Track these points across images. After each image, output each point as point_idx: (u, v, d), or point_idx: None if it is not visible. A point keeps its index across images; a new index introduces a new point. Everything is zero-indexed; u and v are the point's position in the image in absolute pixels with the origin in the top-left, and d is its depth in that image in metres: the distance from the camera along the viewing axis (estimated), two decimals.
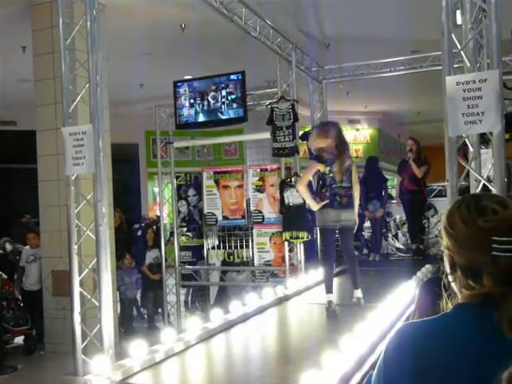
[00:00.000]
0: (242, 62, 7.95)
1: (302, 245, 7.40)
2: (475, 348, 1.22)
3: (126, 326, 7.98)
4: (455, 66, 4.03)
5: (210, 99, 7.46)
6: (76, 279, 4.54)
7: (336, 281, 5.83)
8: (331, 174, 5.02)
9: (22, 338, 7.06)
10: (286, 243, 7.38)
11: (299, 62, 8.31)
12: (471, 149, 4.14)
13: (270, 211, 7.70)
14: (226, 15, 6.30)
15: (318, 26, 8.58)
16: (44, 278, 6.93)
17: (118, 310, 7.65)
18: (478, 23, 4.16)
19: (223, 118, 7.47)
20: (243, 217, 7.91)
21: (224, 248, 8.13)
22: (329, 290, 5.08)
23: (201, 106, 7.56)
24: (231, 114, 7.41)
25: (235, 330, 4.65)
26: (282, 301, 5.73)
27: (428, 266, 6.58)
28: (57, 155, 6.40)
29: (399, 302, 4.74)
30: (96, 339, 4.37)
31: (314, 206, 5.15)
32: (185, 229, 8.70)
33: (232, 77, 7.39)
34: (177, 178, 8.62)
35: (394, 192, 10.50)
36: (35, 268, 7.38)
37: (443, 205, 7.69)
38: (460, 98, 3.74)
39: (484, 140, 4.89)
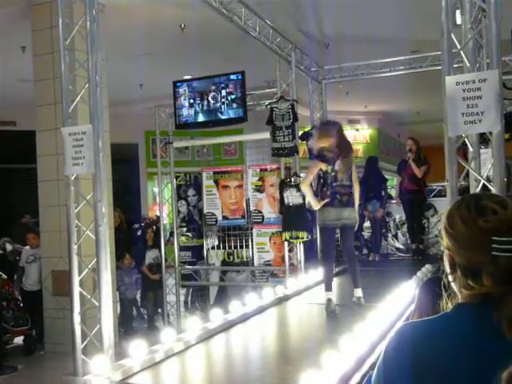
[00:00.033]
0: (242, 62, 7.95)
1: (301, 245, 7.40)
2: (475, 348, 1.22)
3: (125, 326, 7.98)
4: (455, 65, 4.03)
5: (210, 99, 7.46)
6: (76, 279, 4.54)
7: (336, 281, 5.83)
8: (333, 173, 5.04)
9: (22, 338, 7.06)
10: (286, 243, 7.38)
11: (299, 61, 8.31)
12: (471, 149, 4.14)
13: (270, 211, 7.70)
14: (226, 15, 6.30)
15: (317, 26, 8.58)
16: (44, 278, 6.93)
17: (118, 310, 7.65)
18: (478, 23, 4.16)
19: (223, 118, 7.47)
20: (243, 217, 7.91)
21: (224, 248, 8.13)
22: (328, 288, 5.10)
23: (200, 106, 7.56)
24: (231, 114, 7.41)
25: (235, 330, 4.65)
26: (281, 301, 5.74)
27: (428, 266, 6.58)
28: (56, 155, 6.40)
29: (399, 302, 4.74)
30: (96, 339, 4.36)
31: (315, 205, 5.17)
32: (184, 229, 8.70)
33: (232, 77, 7.39)
34: (176, 178, 8.62)
35: (393, 192, 10.50)
36: (35, 268, 7.38)
37: (443, 205, 7.69)
38: (460, 97, 3.74)
39: (484, 140, 4.89)
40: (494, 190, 3.78)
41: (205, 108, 7.55)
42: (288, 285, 6.31)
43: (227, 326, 4.61)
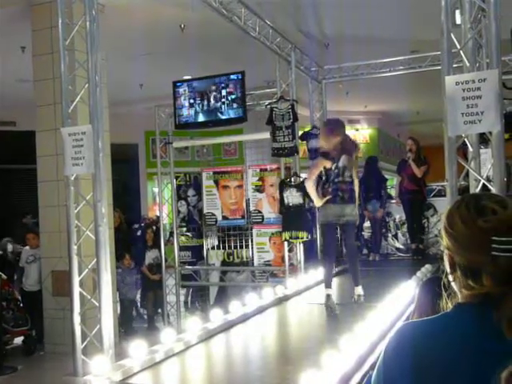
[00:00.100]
0: (242, 62, 7.95)
1: (301, 245, 7.40)
2: (475, 348, 1.22)
3: (125, 326, 7.98)
4: (454, 65, 4.03)
5: (211, 99, 7.46)
6: (76, 279, 4.54)
7: (336, 280, 5.84)
8: (336, 170, 5.06)
9: (22, 338, 7.06)
10: (286, 243, 7.38)
11: (299, 61, 8.31)
12: (471, 148, 4.14)
13: (270, 211, 7.70)
14: (226, 15, 6.30)
15: (317, 26, 8.58)
16: (44, 278, 6.93)
17: (118, 311, 7.65)
18: (478, 23, 4.16)
19: (223, 118, 7.48)
20: (243, 217, 7.91)
21: (224, 248, 8.13)
22: (328, 285, 5.12)
23: (200, 106, 7.56)
24: (231, 114, 7.41)
25: (235, 330, 4.65)
26: (281, 301, 5.73)
27: (428, 266, 6.58)
28: (56, 155, 6.40)
29: (399, 302, 4.74)
30: (96, 339, 4.36)
31: (317, 202, 5.18)
32: (184, 229, 8.70)
33: (232, 77, 7.40)
34: (176, 178, 8.62)
35: (393, 192, 10.50)
36: (35, 268, 7.38)
37: (443, 204, 7.69)
38: (459, 97, 3.74)
39: (483, 140, 4.89)
40: (493, 190, 3.78)
41: (205, 108, 7.55)
42: (288, 285, 6.31)
43: (227, 326, 4.61)
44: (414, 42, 8.99)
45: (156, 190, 13.08)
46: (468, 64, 4.02)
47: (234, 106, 7.38)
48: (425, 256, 8.41)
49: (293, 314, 5.55)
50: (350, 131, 15.33)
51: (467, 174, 4.18)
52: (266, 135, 7.49)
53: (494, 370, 1.10)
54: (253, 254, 7.88)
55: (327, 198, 5.07)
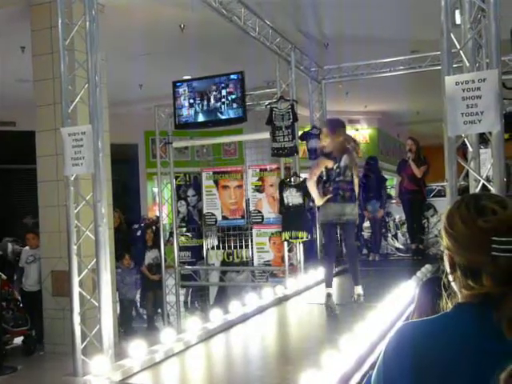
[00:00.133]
0: (242, 62, 7.96)
1: (301, 245, 7.41)
2: (475, 348, 1.22)
3: (125, 326, 7.98)
4: (454, 65, 4.03)
5: (211, 99, 7.46)
6: (75, 279, 4.54)
7: (336, 280, 5.84)
8: (338, 170, 5.07)
9: (22, 338, 7.06)
10: (286, 243, 7.38)
11: (298, 62, 8.32)
12: (470, 148, 4.14)
13: (270, 211, 7.70)
14: (225, 15, 6.30)
15: (317, 26, 8.58)
16: (43, 278, 6.93)
17: (118, 311, 7.65)
18: (477, 23, 4.16)
19: (223, 118, 7.48)
20: (242, 217, 7.91)
21: (223, 248, 8.13)
22: (328, 285, 5.13)
23: (200, 106, 7.56)
24: (231, 114, 7.41)
25: (235, 330, 4.65)
26: (281, 301, 5.73)
27: (427, 266, 6.58)
28: (56, 156, 6.40)
29: (399, 302, 4.74)
30: (95, 339, 4.37)
31: (318, 201, 5.20)
32: (184, 229, 8.70)
33: (232, 77, 7.40)
34: (176, 178, 8.62)
35: (393, 192, 10.50)
36: (35, 269, 7.38)
37: (443, 205, 7.69)
38: (459, 97, 3.74)
39: (483, 140, 4.90)
40: (493, 190, 3.78)
41: (205, 108, 7.55)
42: (288, 285, 6.31)
43: (227, 326, 4.61)
44: (414, 42, 8.99)
45: (156, 190, 13.08)
46: (468, 64, 4.02)
47: (234, 106, 7.38)
48: (425, 256, 8.41)
49: (293, 313, 5.55)
50: (350, 131, 15.32)
51: (467, 174, 4.18)
52: (266, 135, 7.49)
53: (493, 370, 1.10)
54: (252, 254, 7.88)
55: (328, 196, 5.08)
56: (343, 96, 12.04)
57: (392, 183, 12.69)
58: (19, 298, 7.27)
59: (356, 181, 5.28)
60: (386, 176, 9.98)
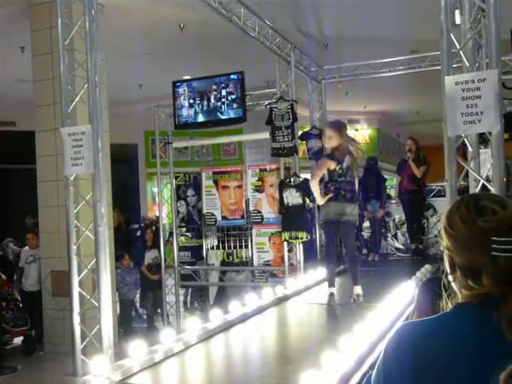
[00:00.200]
0: (241, 62, 7.95)
1: (301, 245, 7.40)
2: (475, 348, 1.22)
3: (125, 326, 7.98)
4: (454, 65, 4.03)
5: (211, 99, 7.46)
6: (75, 279, 4.54)
7: (336, 280, 5.82)
8: (340, 171, 5.09)
9: (22, 338, 7.06)
10: (286, 243, 7.37)
11: (298, 62, 8.32)
12: (470, 148, 4.14)
13: (269, 211, 7.69)
14: (225, 15, 6.30)
15: (317, 26, 8.58)
16: (43, 278, 6.93)
17: (118, 311, 7.65)
18: (477, 23, 4.16)
19: (223, 118, 7.47)
20: (242, 217, 7.90)
21: (223, 248, 8.13)
22: (331, 284, 5.14)
23: (200, 106, 7.56)
24: (231, 114, 7.41)
25: (235, 330, 4.64)
26: (281, 301, 5.73)
27: (427, 266, 6.58)
28: (56, 156, 6.40)
29: (398, 302, 4.74)
30: (95, 339, 4.37)
31: (320, 200, 5.22)
32: (184, 229, 8.69)
33: (232, 77, 7.39)
34: (176, 178, 8.62)
35: (393, 192, 10.50)
36: (34, 269, 7.38)
37: (442, 205, 7.69)
38: (459, 97, 3.74)
39: (483, 140, 4.90)
40: (493, 190, 3.78)
41: (204, 108, 7.55)
42: (287, 285, 6.30)
43: (227, 326, 4.61)
44: (414, 42, 8.99)
45: (155, 190, 13.08)
46: (468, 64, 4.02)
47: (234, 106, 7.38)
48: (424, 256, 8.40)
49: (292, 314, 5.55)
50: (349, 131, 15.33)
51: (467, 174, 4.18)
52: (266, 135, 7.48)
53: (493, 370, 1.10)
54: (252, 254, 7.87)
55: (329, 195, 5.11)
56: (343, 96, 12.04)
57: (392, 183, 12.69)
58: (19, 298, 7.27)
59: (356, 181, 5.31)
60: (385, 176, 9.97)
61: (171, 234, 8.55)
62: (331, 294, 5.09)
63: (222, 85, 7.42)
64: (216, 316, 4.66)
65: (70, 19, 4.83)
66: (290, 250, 7.49)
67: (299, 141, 7.73)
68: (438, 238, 8.16)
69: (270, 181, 7.73)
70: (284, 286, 6.19)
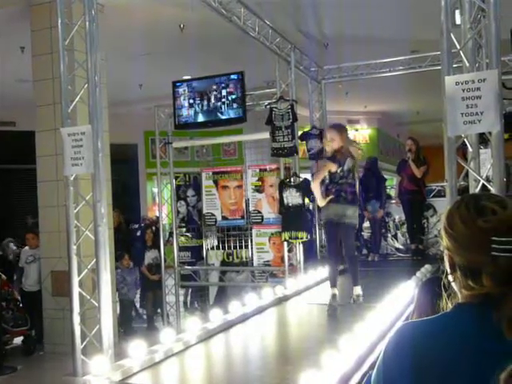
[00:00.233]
0: (241, 62, 7.95)
1: (301, 245, 7.40)
2: (475, 348, 1.22)
3: (125, 326, 7.97)
4: (454, 65, 4.03)
5: (212, 99, 7.46)
6: (75, 279, 4.54)
7: None
8: (341, 173, 5.11)
9: (22, 338, 7.06)
10: (286, 243, 7.37)
11: (298, 62, 8.32)
12: (470, 149, 4.14)
13: (269, 211, 7.69)
14: (225, 15, 6.30)
15: (317, 26, 8.58)
16: (43, 278, 6.93)
17: (118, 311, 7.65)
18: (477, 23, 4.16)
19: (223, 118, 7.47)
20: (242, 217, 7.90)
21: (223, 248, 8.13)
22: (333, 284, 5.14)
23: (200, 106, 7.56)
24: (231, 114, 7.41)
25: (234, 330, 4.65)
26: (281, 301, 5.73)
27: (427, 266, 6.58)
28: (56, 156, 6.39)
29: (398, 302, 4.74)
30: (95, 339, 4.37)
31: (321, 202, 5.24)
32: (184, 229, 8.69)
33: (232, 77, 7.39)
34: (176, 178, 8.61)
35: (393, 192, 10.50)
36: (34, 269, 7.37)
37: (442, 205, 7.69)
38: (459, 97, 3.74)
39: (483, 140, 4.89)
40: (493, 190, 3.78)
41: (204, 108, 7.54)
42: (287, 285, 6.31)
43: (227, 326, 4.61)
44: (414, 42, 8.99)
45: (155, 190, 13.08)
46: (468, 64, 4.02)
47: (234, 106, 7.37)
48: (424, 256, 8.40)
49: (292, 314, 5.55)
50: (349, 131, 15.33)
51: (467, 175, 4.18)
52: (266, 135, 7.48)
53: (493, 370, 1.10)
54: (252, 254, 7.87)
55: (330, 197, 5.12)
56: (343, 96, 12.04)
57: (392, 183, 12.68)
58: (19, 298, 7.27)
59: (357, 183, 5.32)
60: (385, 176, 9.97)
61: (171, 234, 8.54)
62: (333, 296, 5.08)
63: (223, 85, 7.41)
64: (216, 316, 4.66)
65: (70, 19, 4.83)
66: (290, 250, 7.48)
67: (299, 141, 7.73)
68: (437, 238, 8.16)
69: (270, 181, 7.73)
70: (284, 286, 6.19)
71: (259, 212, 7.74)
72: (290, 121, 7.24)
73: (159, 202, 9.06)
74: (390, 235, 9.43)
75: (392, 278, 6.12)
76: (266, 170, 7.81)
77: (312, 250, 8.40)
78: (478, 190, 3.99)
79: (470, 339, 1.23)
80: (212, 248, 8.31)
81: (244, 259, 7.99)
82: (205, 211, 8.11)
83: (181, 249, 8.47)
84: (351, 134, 15.64)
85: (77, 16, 4.76)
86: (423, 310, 1.93)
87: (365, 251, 9.20)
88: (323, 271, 6.75)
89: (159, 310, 8.67)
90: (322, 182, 5.36)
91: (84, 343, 4.51)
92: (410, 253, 8.87)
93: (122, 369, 3.47)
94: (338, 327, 4.59)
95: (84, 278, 4.70)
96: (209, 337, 4.33)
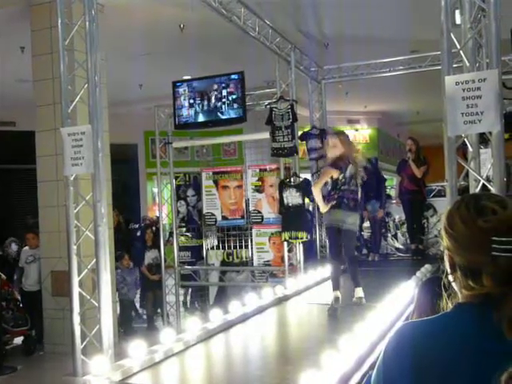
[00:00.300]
0: (241, 62, 7.95)
1: (301, 245, 7.40)
2: (475, 348, 1.22)
3: (125, 326, 7.98)
4: (454, 65, 4.03)
5: (212, 99, 7.46)
6: (75, 279, 4.54)
7: None
8: (343, 179, 5.12)
9: (22, 338, 7.06)
10: (285, 243, 7.37)
11: (298, 62, 8.32)
12: (470, 148, 4.14)
13: (269, 211, 7.69)
14: (225, 15, 6.30)
15: (317, 26, 8.58)
16: (43, 278, 6.93)
17: (118, 311, 7.65)
18: (477, 23, 4.16)
19: (223, 118, 7.47)
20: (242, 217, 7.90)
21: (223, 248, 8.13)
22: (335, 287, 5.14)
23: (200, 106, 7.56)
24: (232, 114, 7.41)
25: (235, 330, 4.64)
26: (281, 301, 5.73)
27: (427, 266, 6.58)
28: (56, 156, 6.39)
29: (398, 302, 4.74)
30: (95, 339, 4.37)
31: (323, 208, 5.24)
32: (184, 229, 8.69)
33: (233, 76, 7.39)
34: (176, 178, 8.62)
35: (393, 192, 10.50)
36: (34, 268, 7.38)
37: (442, 205, 7.69)
38: (459, 97, 3.74)
39: (483, 140, 4.90)
40: (493, 190, 3.78)
41: (205, 108, 7.54)
42: (287, 285, 6.30)
43: (227, 326, 4.61)
44: (414, 42, 8.99)
45: (155, 190, 13.08)
46: (468, 64, 4.02)
47: (235, 106, 7.37)
48: (424, 256, 8.40)
49: (292, 314, 5.55)
50: (349, 131, 15.35)
51: (467, 174, 4.18)
52: (266, 135, 7.48)
53: (493, 370, 1.10)
54: (252, 254, 7.87)
55: (332, 203, 5.13)
56: (343, 96, 12.04)
57: (392, 183, 12.69)
58: (19, 297, 7.27)
59: (359, 190, 5.33)
60: (385, 176, 9.97)
61: (171, 234, 8.55)
62: (336, 299, 5.07)
63: (223, 85, 7.41)
64: (216, 316, 4.66)
65: (70, 19, 4.83)
66: (290, 250, 7.49)
67: (299, 141, 7.73)
68: (438, 238, 8.16)
69: (269, 181, 7.73)
70: (284, 286, 6.19)
71: (259, 212, 7.74)
72: (290, 121, 7.24)
73: (159, 202, 9.06)
74: (390, 235, 9.43)
75: (392, 277, 6.11)
76: (265, 170, 7.81)
77: (312, 250, 8.40)
78: (478, 189, 3.99)
79: (470, 339, 1.23)
80: (212, 248, 8.31)
81: (244, 259, 8.00)
82: (205, 211, 8.11)
83: (181, 249, 8.47)
84: (351, 133, 15.67)
85: (77, 16, 4.76)
86: (423, 309, 1.93)
87: (365, 251, 9.20)
88: (323, 271, 6.75)
89: (159, 310, 8.67)
90: (324, 185, 5.36)
91: (84, 343, 4.51)
92: (410, 253, 8.87)
93: (122, 369, 3.47)
94: (338, 327, 4.59)
95: (84, 278, 4.70)
96: (209, 337, 4.32)
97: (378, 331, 3.85)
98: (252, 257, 7.89)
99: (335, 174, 5.15)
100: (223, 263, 8.18)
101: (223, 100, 7.41)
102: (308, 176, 8.17)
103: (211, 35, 8.16)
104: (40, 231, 7.00)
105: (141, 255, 8.57)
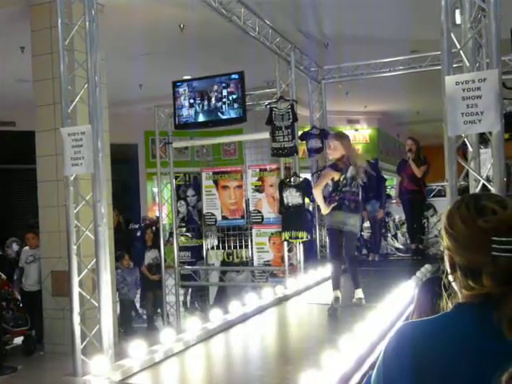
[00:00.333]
0: (241, 62, 7.95)
1: (301, 245, 7.40)
2: (475, 348, 1.22)
3: (125, 326, 7.98)
4: (454, 65, 4.03)
5: (212, 99, 7.46)
6: (75, 279, 4.54)
7: None
8: (344, 181, 5.12)
9: (22, 338, 7.06)
10: (286, 243, 7.37)
11: (298, 62, 8.32)
12: (470, 148, 4.14)
13: (270, 211, 7.69)
14: (225, 15, 6.30)
15: (317, 26, 8.58)
16: (43, 278, 6.93)
17: (118, 311, 7.65)
18: (478, 23, 4.16)
19: (223, 117, 7.47)
20: (242, 217, 7.90)
21: (223, 248, 8.12)
22: (336, 287, 5.14)
23: (200, 106, 7.55)
24: (232, 114, 7.41)
25: (235, 330, 4.64)
26: (281, 301, 5.73)
27: (427, 266, 6.58)
28: (56, 156, 6.39)
29: (398, 302, 4.74)
30: (95, 339, 4.37)
31: (324, 210, 5.25)
32: (184, 229, 8.69)
33: (233, 76, 7.39)
34: (176, 178, 8.61)
35: (393, 192, 10.49)
36: (34, 268, 7.38)
37: (442, 205, 7.69)
38: (459, 97, 3.74)
39: (483, 140, 4.90)
40: (493, 190, 3.78)
41: (205, 108, 7.54)
42: (287, 285, 6.30)
43: (227, 326, 4.61)
44: (414, 42, 8.99)
45: (155, 190, 13.08)
46: (468, 64, 4.02)
47: (235, 106, 7.37)
48: (424, 256, 8.40)
49: (292, 314, 5.55)
50: (349, 131, 15.35)
51: (467, 174, 4.18)
52: (266, 135, 7.48)
53: (494, 370, 1.10)
54: (252, 253, 7.87)
55: (333, 205, 5.13)
56: (343, 96, 12.04)
57: (392, 183, 12.68)
58: (19, 297, 7.27)
59: (360, 191, 5.34)
60: (385, 176, 9.97)
61: (171, 234, 8.54)
62: (336, 298, 5.08)
63: (223, 84, 7.41)
64: (216, 316, 4.66)
65: (70, 19, 4.83)
66: (290, 250, 7.48)
67: (299, 141, 7.73)
68: (438, 237, 8.16)
69: (270, 181, 7.73)
70: (284, 286, 6.19)
71: (259, 212, 7.74)
72: (290, 121, 7.24)
73: (159, 202, 9.06)
74: (390, 235, 9.43)
75: (392, 277, 6.11)
76: (266, 169, 7.81)
77: (312, 250, 8.39)
78: (478, 189, 3.99)
79: (470, 339, 1.23)
80: (212, 248, 8.31)
81: (244, 259, 7.99)
82: (205, 211, 8.11)
83: (181, 249, 8.47)
84: (351, 133, 15.67)
85: (77, 16, 4.76)
86: (423, 309, 1.93)
87: (365, 251, 9.20)
88: (323, 271, 6.75)
89: (159, 310, 8.67)
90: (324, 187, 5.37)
91: (84, 343, 4.51)
92: (410, 253, 8.87)
93: (122, 369, 3.47)
94: (338, 327, 4.59)
95: (84, 278, 4.70)
96: (209, 337, 4.32)
97: (378, 331, 3.85)
98: (252, 257, 7.89)
99: (336, 175, 5.16)
100: (223, 263, 8.18)
101: (223, 100, 7.41)
102: (308, 176, 8.17)
103: (211, 35, 8.16)
104: (40, 231, 7.00)
105: (141, 255, 8.57)
